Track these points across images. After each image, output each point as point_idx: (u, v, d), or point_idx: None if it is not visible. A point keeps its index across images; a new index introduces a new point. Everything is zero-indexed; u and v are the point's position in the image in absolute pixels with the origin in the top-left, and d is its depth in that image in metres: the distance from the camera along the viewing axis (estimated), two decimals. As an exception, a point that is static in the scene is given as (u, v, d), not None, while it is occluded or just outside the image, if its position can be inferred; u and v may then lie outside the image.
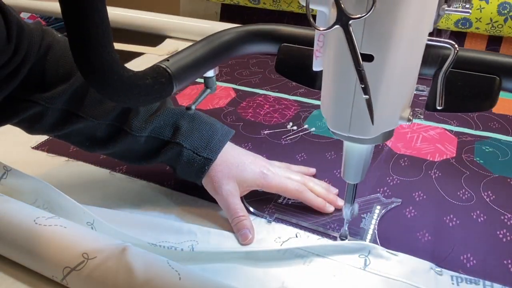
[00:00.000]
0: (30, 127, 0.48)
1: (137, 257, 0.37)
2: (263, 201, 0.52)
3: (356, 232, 0.47)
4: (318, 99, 0.77)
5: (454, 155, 0.60)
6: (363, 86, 0.27)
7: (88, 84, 0.30)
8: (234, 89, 0.81)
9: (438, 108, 0.33)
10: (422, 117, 0.34)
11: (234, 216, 0.47)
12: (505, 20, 0.85)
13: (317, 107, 0.74)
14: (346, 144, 0.37)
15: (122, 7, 1.09)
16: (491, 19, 0.86)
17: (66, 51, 0.47)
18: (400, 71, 0.29)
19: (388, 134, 0.33)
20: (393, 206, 0.50)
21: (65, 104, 0.46)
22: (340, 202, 0.51)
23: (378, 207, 0.50)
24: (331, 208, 0.50)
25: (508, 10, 0.83)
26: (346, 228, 0.45)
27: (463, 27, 0.88)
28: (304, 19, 1.17)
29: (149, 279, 0.36)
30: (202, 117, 0.51)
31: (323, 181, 0.54)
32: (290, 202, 0.51)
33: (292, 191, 0.49)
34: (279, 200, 0.52)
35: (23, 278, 0.41)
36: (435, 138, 0.64)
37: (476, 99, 0.33)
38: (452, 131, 0.66)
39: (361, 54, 0.27)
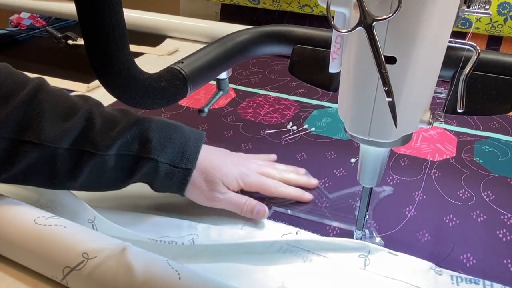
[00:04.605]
0: None
1: (137, 257, 0.37)
2: (258, 198, 0.51)
3: (352, 221, 0.48)
4: (318, 99, 0.77)
5: (454, 155, 0.60)
6: (386, 89, 0.26)
7: (110, 90, 0.28)
8: (234, 89, 0.81)
9: (459, 111, 0.32)
10: (442, 120, 0.33)
11: (240, 207, 0.47)
12: (505, 20, 0.84)
13: (317, 107, 0.74)
14: (363, 147, 0.36)
15: (122, 7, 1.09)
16: (491, 19, 0.85)
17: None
18: (422, 73, 0.28)
19: (407, 138, 0.33)
20: (385, 194, 0.50)
21: (9, 132, 0.39)
22: (314, 181, 0.53)
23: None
24: (310, 196, 0.51)
25: (508, 10, 0.83)
26: (360, 233, 0.45)
27: (463, 27, 0.88)
28: (304, 19, 1.16)
29: (149, 279, 0.36)
30: (169, 124, 0.46)
31: (289, 165, 0.55)
32: None
33: (270, 188, 0.50)
34: None
35: (23, 278, 0.41)
36: (435, 138, 0.64)
37: (495, 102, 0.32)
38: (452, 131, 0.66)
39: (384, 56, 0.26)
